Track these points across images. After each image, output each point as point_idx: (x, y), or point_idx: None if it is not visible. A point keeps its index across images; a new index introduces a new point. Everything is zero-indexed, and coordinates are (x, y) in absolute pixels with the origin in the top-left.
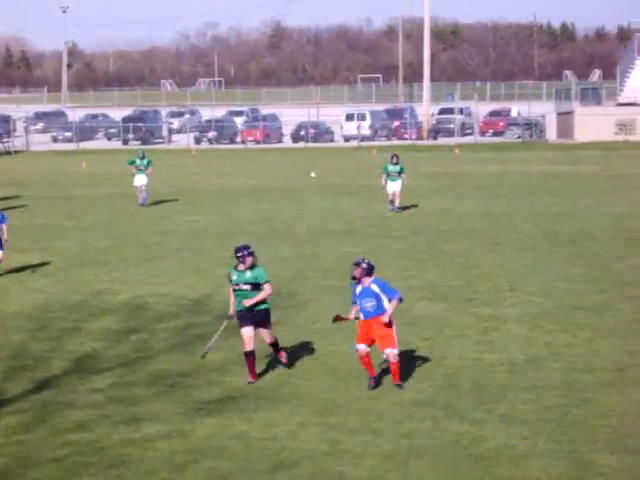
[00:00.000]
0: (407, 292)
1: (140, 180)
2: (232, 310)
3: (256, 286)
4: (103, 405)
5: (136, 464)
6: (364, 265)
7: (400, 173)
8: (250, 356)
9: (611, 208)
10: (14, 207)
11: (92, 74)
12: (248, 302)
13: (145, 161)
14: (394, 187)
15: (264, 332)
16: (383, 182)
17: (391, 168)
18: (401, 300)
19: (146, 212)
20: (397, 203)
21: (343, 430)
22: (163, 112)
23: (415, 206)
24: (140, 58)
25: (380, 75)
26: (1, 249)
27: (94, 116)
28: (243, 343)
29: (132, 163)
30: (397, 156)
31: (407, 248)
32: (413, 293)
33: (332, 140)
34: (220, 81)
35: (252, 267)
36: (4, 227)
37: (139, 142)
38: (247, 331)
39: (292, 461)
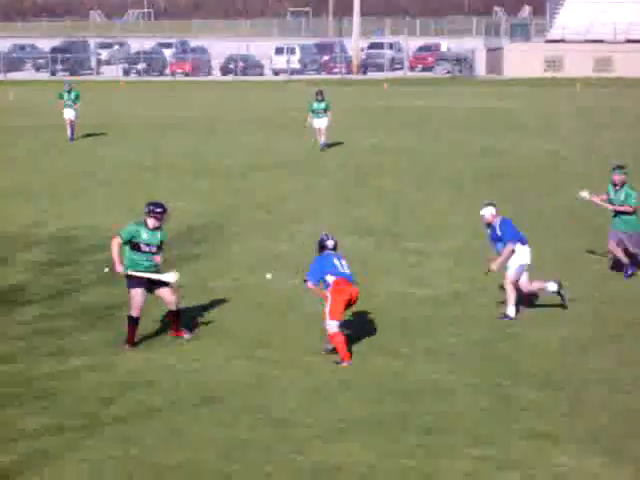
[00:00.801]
0: (335, 228)
1: (68, 114)
2: (120, 267)
3: (159, 248)
4: (30, 337)
5: (63, 396)
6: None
7: (326, 110)
8: (134, 323)
9: (537, 144)
10: None
11: (20, 4)
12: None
13: (73, 95)
14: (320, 124)
15: (165, 291)
16: (309, 120)
17: (316, 105)
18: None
19: (75, 145)
20: (323, 139)
21: (270, 364)
22: (92, 43)
23: (343, 142)
24: None
25: (310, 9)
26: None
27: (22, 47)
28: (130, 306)
29: (61, 97)
30: (321, 93)
31: (335, 183)
32: (341, 228)
33: (262, 74)
34: (150, 12)
35: (160, 227)
36: None
37: (67, 73)
38: (138, 293)
39: (219, 394)
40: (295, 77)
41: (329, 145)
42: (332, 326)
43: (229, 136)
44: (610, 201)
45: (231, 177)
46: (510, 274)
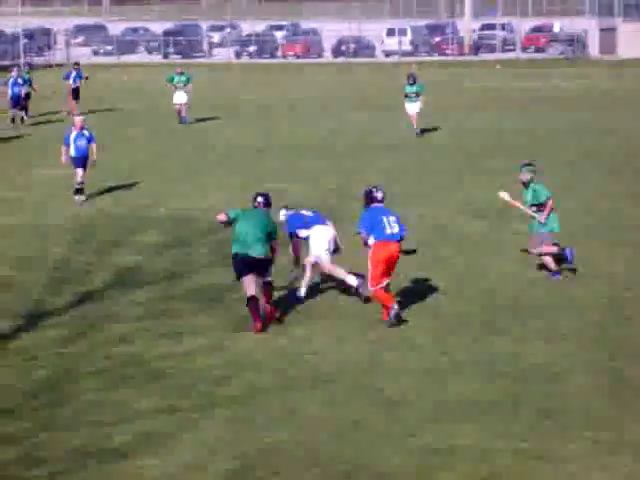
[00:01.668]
0: (447, 209)
1: (179, 98)
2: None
3: None
4: (144, 318)
5: (176, 377)
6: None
7: (418, 94)
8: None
9: None
10: (54, 121)
11: None
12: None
13: (184, 78)
14: (412, 109)
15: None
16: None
17: (408, 89)
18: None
19: (187, 128)
20: (415, 125)
21: (382, 345)
22: (204, 26)
23: (454, 123)
24: None
25: None
26: (83, 167)
27: (135, 29)
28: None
29: (171, 81)
30: (413, 76)
31: (447, 164)
32: (453, 210)
33: (373, 55)
34: None
35: None
36: (93, 146)
37: (180, 56)
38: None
39: (330, 376)
40: (406, 59)
41: (422, 130)
42: (371, 290)
43: (339, 117)
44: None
45: (341, 158)
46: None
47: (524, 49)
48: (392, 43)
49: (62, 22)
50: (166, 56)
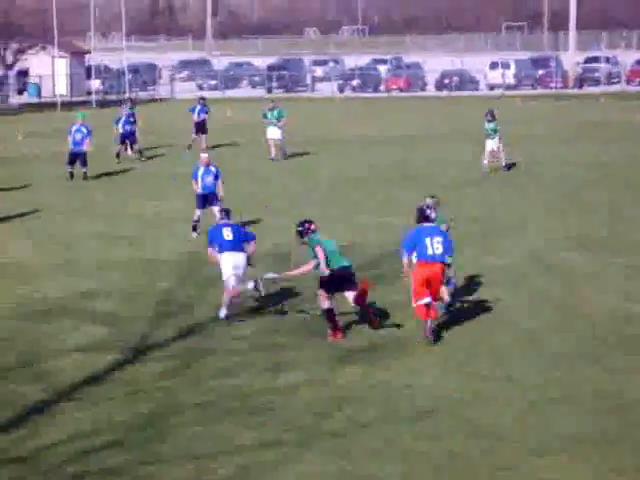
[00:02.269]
0: (549, 241)
1: (273, 133)
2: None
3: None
4: (247, 352)
5: (279, 411)
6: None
7: (495, 131)
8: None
9: None
10: (155, 156)
11: (236, 22)
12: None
13: (276, 112)
14: (492, 145)
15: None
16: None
17: (486, 126)
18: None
19: (290, 160)
20: (504, 162)
21: (483, 378)
22: (307, 60)
23: (558, 155)
24: (284, 6)
25: (525, 23)
26: (215, 204)
27: (239, 64)
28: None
29: (265, 116)
30: (492, 113)
31: (550, 196)
32: (555, 242)
33: (476, 89)
34: (364, 29)
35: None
36: (220, 183)
37: (283, 90)
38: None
39: (433, 409)
40: (509, 92)
41: (507, 166)
42: (417, 302)
43: (440, 151)
44: None
45: (441, 190)
46: None
47: (628, 82)
48: (495, 76)
49: (167, 57)
50: (270, 90)
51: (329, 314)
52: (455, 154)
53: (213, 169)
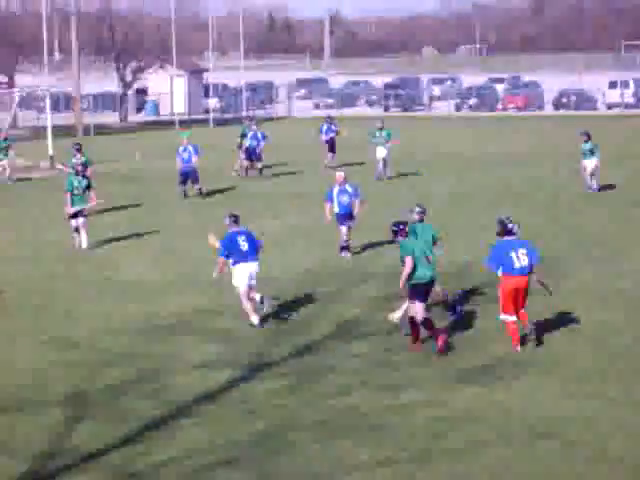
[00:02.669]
0: None
1: (381, 153)
2: None
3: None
4: (363, 370)
5: (394, 430)
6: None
7: (592, 152)
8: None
9: None
10: (273, 174)
11: (354, 41)
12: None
13: (384, 133)
14: (588, 164)
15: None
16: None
17: (583, 146)
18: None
19: (401, 179)
20: (594, 183)
21: (603, 399)
22: (424, 79)
23: None
24: (401, 25)
25: None
26: (347, 224)
27: (355, 83)
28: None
29: (373, 136)
30: (587, 134)
31: None
32: None
33: (594, 108)
34: (481, 48)
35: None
36: (356, 201)
37: (400, 109)
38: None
39: (551, 430)
40: (629, 111)
41: (599, 188)
42: (504, 318)
43: (559, 170)
44: None
45: (560, 211)
46: None
47: None
48: (614, 96)
49: (284, 75)
50: (386, 109)
51: (428, 324)
52: (570, 173)
53: (349, 188)
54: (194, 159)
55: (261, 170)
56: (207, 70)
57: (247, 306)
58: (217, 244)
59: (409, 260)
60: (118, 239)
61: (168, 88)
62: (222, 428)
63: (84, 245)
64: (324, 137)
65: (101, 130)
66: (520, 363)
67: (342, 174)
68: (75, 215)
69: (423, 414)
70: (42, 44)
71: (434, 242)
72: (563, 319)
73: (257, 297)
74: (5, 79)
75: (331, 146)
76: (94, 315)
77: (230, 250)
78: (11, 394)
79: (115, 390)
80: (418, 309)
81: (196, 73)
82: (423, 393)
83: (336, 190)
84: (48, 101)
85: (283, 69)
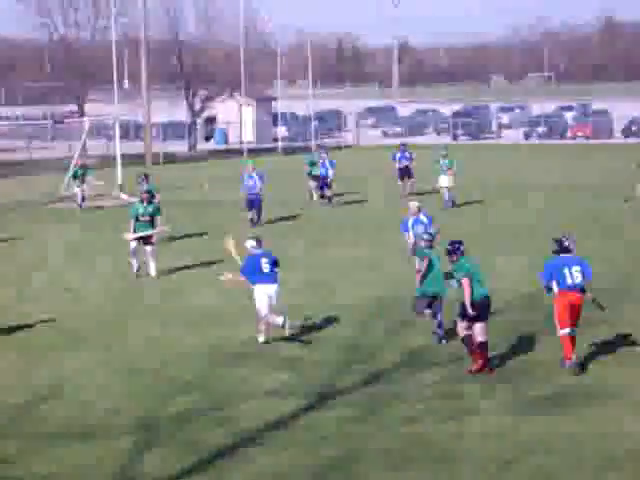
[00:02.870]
0: None
1: (443, 181)
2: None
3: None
4: (431, 399)
5: (463, 459)
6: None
7: None
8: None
9: None
10: (342, 202)
11: (422, 69)
12: None
13: (447, 162)
14: None
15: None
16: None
17: None
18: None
19: (466, 206)
20: None
21: None
22: (493, 107)
23: None
24: (470, 53)
25: None
26: None
27: (424, 111)
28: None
29: (437, 163)
30: None
31: None
32: None
33: None
34: (550, 76)
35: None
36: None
37: (468, 137)
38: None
39: (622, 460)
40: None
41: None
42: (560, 331)
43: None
44: None
45: (634, 242)
46: None
47: None
48: None
49: (352, 104)
50: (455, 137)
51: (469, 340)
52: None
53: (424, 219)
54: (259, 186)
55: (330, 198)
56: (275, 99)
57: (260, 326)
58: (233, 253)
59: (467, 280)
60: (186, 267)
61: (237, 117)
62: (289, 456)
63: (152, 273)
64: (397, 164)
65: (170, 159)
66: (590, 392)
67: (416, 204)
68: (137, 240)
69: (492, 443)
70: (112, 73)
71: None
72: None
73: (279, 320)
74: (75, 108)
75: (407, 173)
76: (164, 343)
77: (252, 272)
78: (83, 420)
79: (184, 417)
80: (459, 327)
81: (265, 101)
82: (491, 423)
83: (411, 221)
84: (117, 130)
85: (351, 97)
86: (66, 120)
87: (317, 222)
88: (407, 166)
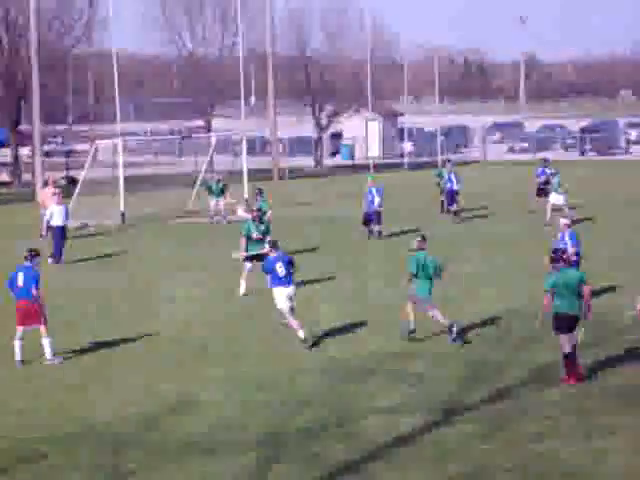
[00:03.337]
0: None
1: (554, 199)
2: None
3: None
4: (558, 416)
5: (589, 477)
6: None
7: None
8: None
9: None
10: (468, 218)
11: (550, 84)
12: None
13: (556, 179)
14: None
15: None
16: None
17: None
18: None
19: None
20: None
21: None
22: (621, 122)
23: None
24: (598, 68)
25: None
26: None
27: (551, 127)
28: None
29: (537, 177)
30: None
31: None
32: None
33: None
34: None
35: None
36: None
37: (595, 153)
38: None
39: None
40: None
41: None
42: None
43: None
44: None
45: None
46: None
47: None
48: None
49: (478, 119)
50: (583, 153)
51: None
52: None
53: (569, 237)
54: (377, 201)
55: (456, 213)
56: (402, 114)
57: (293, 323)
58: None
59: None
60: (310, 282)
61: (363, 132)
62: (414, 472)
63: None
64: (540, 179)
65: (296, 174)
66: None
67: (566, 221)
68: (251, 259)
69: (618, 461)
70: (239, 89)
71: (437, 273)
72: None
73: (300, 334)
74: (202, 123)
75: (543, 191)
76: (286, 357)
77: (269, 272)
78: (204, 435)
79: (308, 432)
80: (562, 341)
81: (391, 117)
82: (618, 440)
83: (558, 238)
84: (244, 145)
85: (477, 113)
86: (194, 135)
87: (443, 236)
88: (547, 181)
